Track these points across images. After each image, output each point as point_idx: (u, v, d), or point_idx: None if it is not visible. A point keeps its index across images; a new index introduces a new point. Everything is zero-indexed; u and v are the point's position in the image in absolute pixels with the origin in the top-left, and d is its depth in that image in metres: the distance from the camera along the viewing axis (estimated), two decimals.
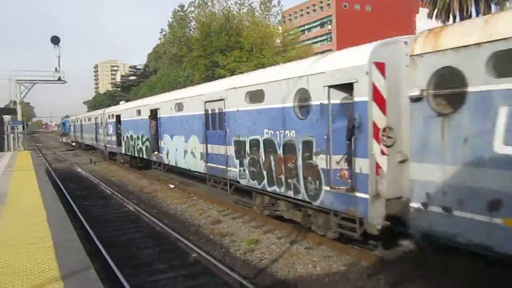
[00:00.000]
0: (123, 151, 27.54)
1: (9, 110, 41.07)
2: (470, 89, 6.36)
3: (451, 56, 6.61)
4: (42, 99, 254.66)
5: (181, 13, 50.89)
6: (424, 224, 7.12)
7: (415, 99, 7.15)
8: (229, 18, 46.49)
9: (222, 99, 13.70)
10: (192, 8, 50.81)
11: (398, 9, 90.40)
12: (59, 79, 40.73)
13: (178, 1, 51.53)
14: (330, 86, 8.90)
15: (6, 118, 39.05)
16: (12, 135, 38.12)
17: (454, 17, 32.38)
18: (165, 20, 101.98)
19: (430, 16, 35.10)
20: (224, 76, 31.73)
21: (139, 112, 23.91)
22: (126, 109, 27.55)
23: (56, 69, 40.61)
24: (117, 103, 42.48)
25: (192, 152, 16.65)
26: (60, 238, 7.41)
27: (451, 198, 6.67)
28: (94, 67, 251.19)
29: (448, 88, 6.76)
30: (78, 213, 14.01)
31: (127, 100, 45.72)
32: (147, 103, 23.24)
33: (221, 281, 8.33)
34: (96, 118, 37.61)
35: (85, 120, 45.17)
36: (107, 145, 32.58)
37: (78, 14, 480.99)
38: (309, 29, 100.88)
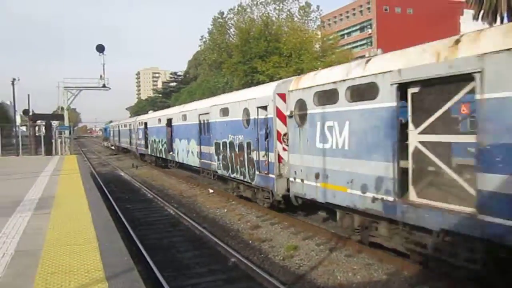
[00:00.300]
0: (149, 152, 33.36)
1: (57, 115, 42.93)
2: (308, 112, 11.15)
3: (302, 93, 11.45)
4: (87, 105, 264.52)
5: (221, 20, 51.64)
6: (294, 190, 12.05)
7: (289, 116, 11.98)
8: (268, 24, 46.71)
9: (208, 113, 18.96)
10: (232, 15, 51.45)
11: (442, 11, 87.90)
12: (104, 85, 42.25)
13: (218, 8, 52.17)
14: (258, 107, 13.91)
15: (54, 123, 40.75)
16: (59, 140, 39.70)
17: (502, 18, 31.02)
18: (205, 27, 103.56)
19: (475, 17, 33.81)
20: (263, 82, 31.90)
21: (159, 120, 29.51)
22: (151, 117, 33.53)
23: (101, 76, 42.18)
24: (158, 109, 43.83)
25: (192, 151, 22.17)
26: (104, 240, 7.65)
27: (303, 174, 11.47)
28: (137, 74, 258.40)
29: (301, 111, 11.50)
30: (121, 215, 14.40)
31: (168, 106, 47.10)
32: (165, 113, 29.15)
33: (260, 286, 8.32)
34: (130, 124, 43.93)
35: (121, 126, 51.38)
36: (138, 147, 38.75)
37: (121, 23, 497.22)
38: (348, 33, 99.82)
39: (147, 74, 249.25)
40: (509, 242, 6.05)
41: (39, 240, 7.74)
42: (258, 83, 33.51)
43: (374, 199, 8.73)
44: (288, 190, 12.43)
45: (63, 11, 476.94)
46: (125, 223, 13.25)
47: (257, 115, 13.94)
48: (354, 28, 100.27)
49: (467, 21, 63.38)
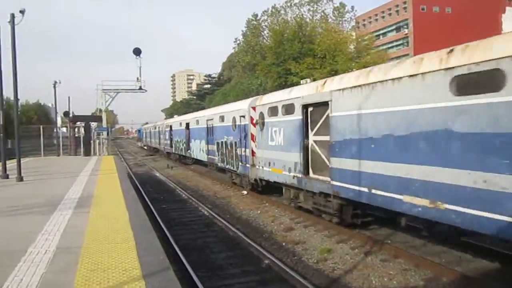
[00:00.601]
0: (173, 151, 39.91)
1: (96, 117, 44.26)
2: (265, 120, 16.07)
3: (262, 107, 16.48)
4: (124, 107, 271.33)
5: (255, 22, 51.87)
6: (258, 174, 17.19)
7: (256, 123, 17.11)
8: (302, 25, 46.58)
9: (212, 119, 24.78)
10: (265, 17, 51.65)
11: (482, 10, 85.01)
12: (140, 88, 43.16)
13: (252, 10, 52.45)
14: (240, 116, 19.26)
15: (93, 125, 42.02)
16: (97, 141, 40.90)
17: None
18: (239, 29, 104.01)
19: None
20: (297, 84, 31.83)
21: (180, 124, 36.10)
22: (174, 121, 40.54)
23: (137, 78, 43.11)
24: (193, 111, 44.75)
25: (202, 149, 27.82)
26: (141, 239, 7.81)
27: (263, 163, 16.48)
28: (172, 76, 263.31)
29: (261, 119, 16.48)
30: (156, 215, 14.67)
31: (202, 108, 47.90)
32: (184, 118, 36.30)
33: None
34: (158, 127, 51.26)
35: (152, 129, 59.75)
36: (164, 147, 45.78)
37: (157, 27, 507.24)
38: (384, 33, 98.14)
39: (182, 77, 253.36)
40: (342, 194, 11.09)
41: (79, 238, 8.00)
42: (292, 84, 33.42)
43: (294, 177, 13.76)
44: (263, 181, 17.46)
45: (102, 15, 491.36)
46: (161, 223, 13.49)
47: (240, 121, 19.28)
48: (390, 29, 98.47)
49: (509, 19, 61.09)
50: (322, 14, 48.85)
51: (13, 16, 18.44)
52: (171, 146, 40.49)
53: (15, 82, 18.37)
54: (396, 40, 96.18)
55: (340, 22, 49.21)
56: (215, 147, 23.84)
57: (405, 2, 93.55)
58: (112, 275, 5.88)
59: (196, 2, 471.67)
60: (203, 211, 16.14)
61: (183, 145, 34.59)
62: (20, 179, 17.78)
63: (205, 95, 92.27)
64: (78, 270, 6.14)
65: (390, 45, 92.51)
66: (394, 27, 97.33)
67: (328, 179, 11.60)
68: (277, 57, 45.19)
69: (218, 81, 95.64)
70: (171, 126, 40.45)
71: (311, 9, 48.75)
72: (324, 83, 12.19)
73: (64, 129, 49.07)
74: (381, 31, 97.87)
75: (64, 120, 52.74)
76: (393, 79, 9.12)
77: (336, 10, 48.89)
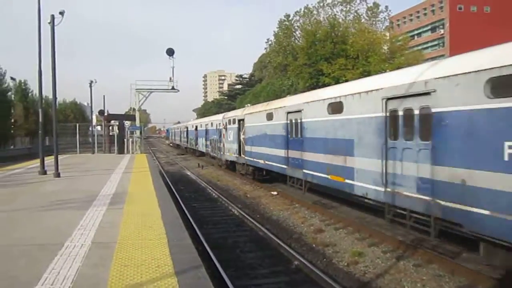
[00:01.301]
0: (188, 146, 55.13)
1: (129, 116, 45.17)
2: (226, 126, 28.87)
3: (225, 119, 29.46)
4: (157, 106, 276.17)
5: (287, 23, 51.69)
6: (227, 158, 29.15)
7: (225, 128, 29.57)
8: (335, 25, 46.06)
9: (208, 124, 38.17)
10: (298, 17, 51.37)
11: None
12: (173, 88, 43.79)
13: (284, 11, 52.40)
14: (218, 123, 32.00)
15: (127, 123, 42.92)
16: (131, 139, 41.75)
17: None
18: (271, 30, 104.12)
19: None
20: (328, 84, 31.55)
21: (192, 126, 50.61)
22: (189, 124, 56.55)
23: (170, 78, 43.77)
24: (224, 111, 45.32)
25: (203, 144, 40.27)
26: (173, 236, 7.91)
27: (227, 151, 28.97)
28: (203, 77, 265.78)
29: (225, 126, 29.09)
30: (187, 214, 14.85)
31: (233, 108, 48.60)
32: (194, 123, 51.70)
33: None
34: (180, 128, 67.33)
35: (175, 129, 77.50)
36: (183, 143, 60.85)
37: (190, 27, 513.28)
38: (419, 34, 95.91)
39: (214, 77, 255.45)
40: (251, 164, 23.04)
41: (113, 234, 8.17)
42: (324, 85, 33.15)
43: (236, 157, 26.20)
44: (228, 161, 29.23)
45: (136, 16, 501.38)
46: (191, 221, 13.64)
47: (218, 126, 32.10)
48: (425, 29, 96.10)
49: None
50: (355, 14, 48.17)
51: (53, 17, 19.06)
52: (187, 142, 56.25)
53: (54, 81, 18.97)
54: (432, 41, 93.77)
55: (374, 22, 48.40)
56: (209, 142, 37.68)
57: (441, 2, 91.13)
58: (145, 271, 5.98)
59: (228, 2, 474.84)
60: (233, 211, 16.22)
61: (194, 141, 48.92)
62: (57, 175, 18.34)
63: (236, 95, 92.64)
64: (112, 265, 6.27)
65: (425, 46, 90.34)
66: (429, 27, 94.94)
67: (245, 157, 24.18)
68: (309, 57, 44.89)
69: (249, 81, 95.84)
70: (187, 128, 56.63)
71: (344, 9, 48.18)
72: (243, 110, 25.56)
73: (99, 128, 50.35)
74: (416, 32, 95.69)
75: (99, 119, 54.14)
76: (260, 111, 21.71)
77: (369, 10, 48.12)
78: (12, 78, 61.86)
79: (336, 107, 13.17)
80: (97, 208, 10.90)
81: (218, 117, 33.77)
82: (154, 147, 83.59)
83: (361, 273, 9.17)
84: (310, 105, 15.25)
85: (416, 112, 9.48)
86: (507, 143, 6.92)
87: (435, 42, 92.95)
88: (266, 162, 20.39)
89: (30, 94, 68.06)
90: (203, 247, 10.78)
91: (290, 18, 51.44)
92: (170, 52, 42.90)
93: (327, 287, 8.29)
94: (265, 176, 22.51)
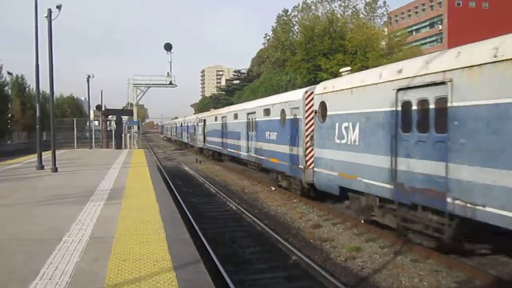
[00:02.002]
0: (176, 138, 67.63)
1: (127, 111, 45.17)
2: (206, 123, 38.53)
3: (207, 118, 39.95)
4: (154, 101, 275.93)
5: (285, 18, 51.56)
6: (200, 146, 41.17)
7: (197, 125, 44.64)
8: (333, 21, 45.99)
9: (187, 121, 52.88)
10: (296, 13, 51.25)
11: None
12: (170, 83, 43.80)
13: (282, 6, 52.36)
14: (192, 120, 48.41)
15: (124, 118, 42.87)
16: (128, 134, 41.73)
17: None
18: (269, 25, 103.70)
19: None
20: (327, 79, 31.52)
21: (179, 123, 62.90)
22: (178, 121, 67.58)
23: (168, 73, 43.76)
24: (222, 106, 45.34)
25: (186, 137, 52.70)
26: (171, 231, 7.92)
27: (206, 142, 38.19)
28: (201, 72, 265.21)
29: (202, 123, 40.50)
30: (185, 208, 14.84)
31: (231, 104, 48.65)
32: (181, 120, 62.71)
33: (321, 286, 8.23)
34: (171, 124, 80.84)
35: (168, 125, 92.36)
36: (174, 137, 72.52)
37: (187, 22, 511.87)
38: (417, 29, 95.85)
39: (211, 72, 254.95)
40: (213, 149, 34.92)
41: (111, 228, 8.18)
42: (321, 80, 33.11)
43: (214, 146, 34.65)
44: (199, 148, 40.96)
45: (134, 10, 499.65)
46: (189, 216, 13.64)
47: (192, 123, 45.14)
48: (423, 25, 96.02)
49: None
50: (354, 9, 48.12)
51: (50, 11, 18.96)
52: (175, 136, 69.55)
53: (51, 76, 18.89)
54: (430, 37, 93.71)
55: (372, 18, 48.35)
56: (189, 135, 48.44)
57: None
58: (143, 266, 5.99)
59: None
60: (231, 206, 16.23)
61: (180, 134, 62.10)
62: (55, 170, 18.32)
63: (234, 90, 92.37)
64: (110, 260, 6.28)
65: (423, 42, 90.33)
66: (427, 23, 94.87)
67: (207, 144, 37.08)
68: (307, 53, 44.84)
69: (247, 76, 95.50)
70: (176, 124, 69.73)
71: (342, 4, 48.12)
72: (209, 113, 38.50)
73: (96, 123, 50.28)
74: (414, 27, 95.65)
75: (97, 114, 54.04)
76: (212, 115, 35.72)
77: (367, 6, 48.06)
78: (9, 73, 61.59)
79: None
80: (95, 203, 10.90)
81: (193, 117, 47.11)
82: (152, 142, 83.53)
83: (359, 268, 9.19)
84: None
85: None
86: None
87: (433, 38, 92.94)
88: (216, 146, 33.37)
89: (27, 89, 67.73)
90: (201, 242, 10.78)
91: (288, 13, 51.35)
92: (168, 47, 42.86)
93: (324, 282, 8.31)
94: (220, 157, 33.67)
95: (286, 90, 34.54)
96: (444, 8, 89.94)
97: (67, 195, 12.15)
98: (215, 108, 49.62)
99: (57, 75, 19.30)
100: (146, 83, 43.79)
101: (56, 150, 19.74)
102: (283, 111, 17.49)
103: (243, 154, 24.69)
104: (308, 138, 15.02)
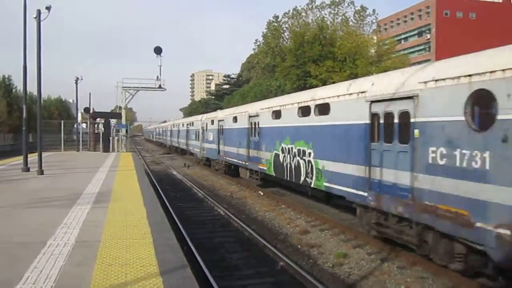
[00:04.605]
0: (156, 140, 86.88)
1: (115, 114, 44.77)
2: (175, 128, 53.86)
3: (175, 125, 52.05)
4: (143, 104, 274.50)
5: (275, 24, 51.75)
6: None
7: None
8: (323, 28, 46.32)
9: (171, 126, 60.80)
10: (286, 19, 51.47)
11: (508, 16, 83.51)
12: (160, 86, 43.54)
13: (273, 12, 52.70)
14: (172, 125, 58.02)
15: (112, 121, 42.52)
16: (116, 138, 41.35)
17: None
18: (259, 31, 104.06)
19: None
20: (316, 86, 31.72)
21: (165, 127, 69.16)
22: (162, 125, 79.85)
23: (157, 77, 43.53)
24: (212, 111, 45.24)
25: (169, 140, 61.80)
26: (158, 236, 7.86)
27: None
28: (191, 76, 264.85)
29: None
30: (172, 213, 14.75)
31: (220, 108, 48.43)
32: (168, 124, 68.56)
33: None
34: (153, 129, 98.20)
35: (151, 129, 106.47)
36: (157, 139, 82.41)
37: (178, 27, 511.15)
38: (405, 38, 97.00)
39: (201, 76, 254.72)
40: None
41: (97, 233, 8.08)
42: (311, 87, 33.30)
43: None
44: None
45: (124, 14, 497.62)
46: (177, 221, 13.55)
47: (183, 127, 44.07)
48: (411, 33, 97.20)
49: None
50: (343, 17, 48.56)
51: (39, 12, 18.79)
52: (154, 137, 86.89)
53: (39, 77, 18.67)
54: (418, 45, 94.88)
55: (361, 26, 48.86)
56: (162, 136, 66.32)
57: (428, 7, 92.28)
58: (130, 271, 5.92)
59: (217, 2, 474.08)
60: (219, 211, 16.17)
61: (157, 136, 76.14)
62: (41, 172, 18.08)
63: (224, 95, 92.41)
64: (96, 264, 6.20)
65: (411, 50, 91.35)
66: (416, 31, 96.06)
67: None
68: (297, 59, 45.08)
69: (237, 81, 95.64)
70: (155, 128, 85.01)
71: (332, 12, 48.53)
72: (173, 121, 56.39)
73: (84, 125, 49.80)
74: (403, 36, 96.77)
75: (84, 116, 53.51)
76: (181, 123, 47.89)
77: (357, 13, 48.54)
78: None
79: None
80: (81, 206, 10.78)
81: (169, 123, 64.23)
82: (140, 146, 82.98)
83: (346, 274, 9.22)
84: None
85: None
86: None
87: (422, 47, 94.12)
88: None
89: (14, 90, 66.89)
90: (188, 247, 10.72)
91: (278, 19, 51.58)
92: (158, 50, 42.65)
93: None
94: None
95: (276, 96, 34.64)
96: (432, 18, 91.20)
97: (53, 198, 12.00)
98: (205, 112, 49.67)
99: (45, 77, 19.12)
100: (135, 86, 43.45)
101: (43, 153, 19.49)
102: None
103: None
104: None
